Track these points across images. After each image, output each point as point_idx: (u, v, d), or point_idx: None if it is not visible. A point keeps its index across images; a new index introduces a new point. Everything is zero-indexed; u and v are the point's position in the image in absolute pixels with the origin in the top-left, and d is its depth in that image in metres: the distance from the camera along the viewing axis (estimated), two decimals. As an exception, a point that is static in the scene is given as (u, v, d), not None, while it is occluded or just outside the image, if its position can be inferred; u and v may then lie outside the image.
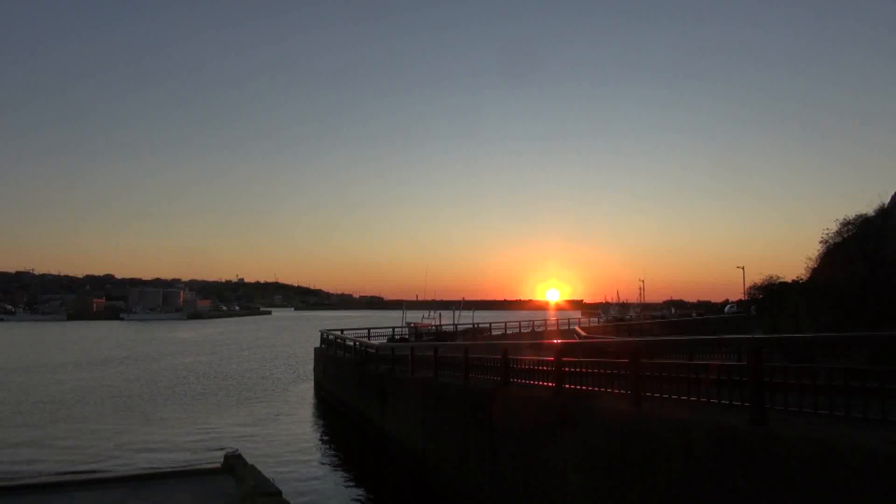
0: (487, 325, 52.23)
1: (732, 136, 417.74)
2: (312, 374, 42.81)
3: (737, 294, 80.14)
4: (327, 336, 39.69)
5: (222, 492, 10.71)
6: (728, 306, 79.88)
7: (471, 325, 51.77)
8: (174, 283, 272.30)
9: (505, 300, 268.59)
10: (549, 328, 55.12)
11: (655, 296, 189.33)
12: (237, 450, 14.03)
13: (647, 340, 19.30)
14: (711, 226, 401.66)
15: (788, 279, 37.13)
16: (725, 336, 14.38)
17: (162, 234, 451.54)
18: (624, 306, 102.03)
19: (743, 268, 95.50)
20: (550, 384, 12.60)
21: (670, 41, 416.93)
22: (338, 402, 32.40)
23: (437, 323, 52.69)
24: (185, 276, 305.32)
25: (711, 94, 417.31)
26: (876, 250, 21.91)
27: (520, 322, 54.54)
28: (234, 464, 12.22)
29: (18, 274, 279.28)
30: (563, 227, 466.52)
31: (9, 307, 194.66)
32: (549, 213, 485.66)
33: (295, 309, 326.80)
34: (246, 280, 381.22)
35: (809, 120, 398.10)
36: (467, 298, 64.91)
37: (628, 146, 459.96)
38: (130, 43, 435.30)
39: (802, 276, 31.66)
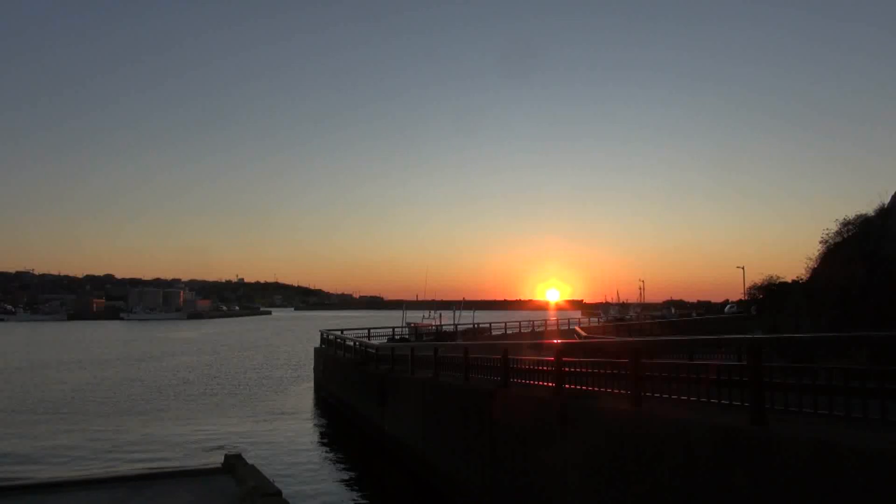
0: (487, 325, 52.33)
1: (732, 137, 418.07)
2: (312, 374, 42.84)
3: (737, 294, 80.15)
4: (327, 336, 39.71)
5: (222, 492, 10.69)
6: (728, 306, 79.86)
7: (471, 325, 51.73)
8: (174, 283, 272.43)
9: (505, 300, 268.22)
10: (549, 328, 55.14)
11: (655, 296, 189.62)
12: (237, 450, 14.03)
13: (647, 340, 19.31)
14: (711, 226, 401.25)
15: (788, 279, 37.22)
16: (725, 336, 14.39)
17: (162, 234, 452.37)
18: (624, 306, 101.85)
19: (743, 268, 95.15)
20: (550, 384, 12.62)
21: (670, 41, 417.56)
22: (338, 402, 32.41)
23: (438, 323, 52.60)
24: (185, 276, 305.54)
25: (711, 94, 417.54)
26: (876, 250, 21.87)
27: (520, 322, 54.54)
28: (235, 464, 12.21)
29: (18, 274, 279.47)
30: (563, 227, 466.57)
31: (9, 307, 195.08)
32: (549, 213, 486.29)
33: (295, 309, 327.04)
34: (246, 280, 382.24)
35: (809, 120, 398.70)
36: (467, 298, 64.73)
37: (629, 146, 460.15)
38: (131, 43, 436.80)
39: (802, 276, 31.68)
